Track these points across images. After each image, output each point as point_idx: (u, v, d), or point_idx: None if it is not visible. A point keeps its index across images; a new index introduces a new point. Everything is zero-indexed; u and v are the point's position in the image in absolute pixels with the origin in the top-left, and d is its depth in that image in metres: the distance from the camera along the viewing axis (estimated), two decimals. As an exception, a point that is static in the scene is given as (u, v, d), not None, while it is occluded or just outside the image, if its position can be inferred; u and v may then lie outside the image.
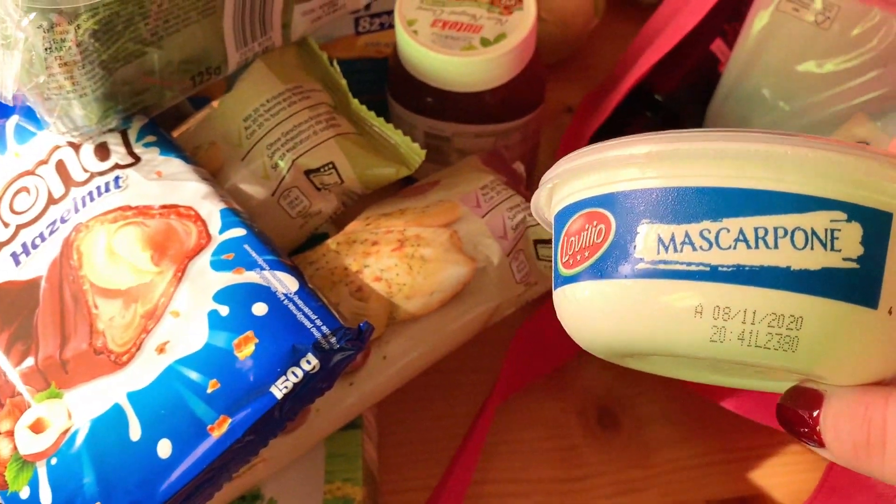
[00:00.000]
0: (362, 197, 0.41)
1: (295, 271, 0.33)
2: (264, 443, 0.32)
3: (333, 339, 0.31)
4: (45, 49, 0.32)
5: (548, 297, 0.43)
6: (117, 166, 0.36)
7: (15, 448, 0.32)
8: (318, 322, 0.31)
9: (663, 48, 0.45)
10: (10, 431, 0.32)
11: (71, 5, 0.32)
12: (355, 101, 0.41)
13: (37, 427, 0.32)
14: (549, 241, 0.38)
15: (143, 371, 0.32)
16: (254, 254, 0.33)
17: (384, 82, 0.50)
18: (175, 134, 0.41)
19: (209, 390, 0.30)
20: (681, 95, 0.50)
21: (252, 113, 0.40)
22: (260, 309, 0.32)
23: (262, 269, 0.33)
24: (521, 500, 0.43)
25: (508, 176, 0.43)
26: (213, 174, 0.38)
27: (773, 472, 0.44)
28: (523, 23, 0.44)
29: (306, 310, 0.32)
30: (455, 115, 0.46)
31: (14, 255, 0.36)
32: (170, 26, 0.36)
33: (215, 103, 0.41)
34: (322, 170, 0.39)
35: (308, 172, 0.39)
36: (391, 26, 0.52)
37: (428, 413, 0.46)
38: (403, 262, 0.37)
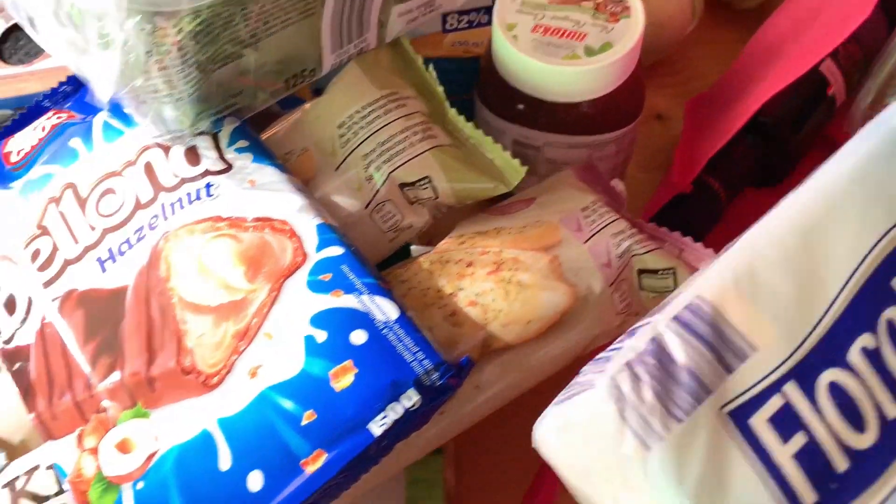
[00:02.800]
0: (451, 210, 0.39)
1: (393, 297, 0.31)
2: (355, 479, 0.30)
3: (435, 376, 0.29)
4: (146, 52, 0.30)
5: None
6: (208, 172, 0.35)
7: (99, 467, 0.31)
8: (420, 355, 0.30)
9: (792, 72, 0.42)
10: (94, 449, 0.31)
11: (174, 7, 0.30)
12: (452, 111, 0.39)
13: (123, 447, 0.31)
14: (654, 271, 0.36)
15: (234, 396, 0.30)
16: (352, 275, 0.31)
17: (470, 84, 0.47)
18: (264, 136, 0.39)
19: (304, 422, 0.29)
20: (783, 117, 0.47)
21: (346, 120, 0.38)
22: (359, 337, 0.30)
23: (361, 293, 0.31)
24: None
25: (607, 194, 0.41)
26: (305, 183, 0.37)
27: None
28: (630, 31, 0.41)
29: (407, 341, 0.30)
30: (548, 124, 0.44)
31: (100, 261, 0.34)
32: (269, 27, 0.34)
33: (307, 105, 0.39)
34: (418, 184, 0.37)
35: (403, 186, 0.37)
36: (480, 25, 0.50)
37: (509, 438, 0.44)
38: (500, 287, 0.35)
